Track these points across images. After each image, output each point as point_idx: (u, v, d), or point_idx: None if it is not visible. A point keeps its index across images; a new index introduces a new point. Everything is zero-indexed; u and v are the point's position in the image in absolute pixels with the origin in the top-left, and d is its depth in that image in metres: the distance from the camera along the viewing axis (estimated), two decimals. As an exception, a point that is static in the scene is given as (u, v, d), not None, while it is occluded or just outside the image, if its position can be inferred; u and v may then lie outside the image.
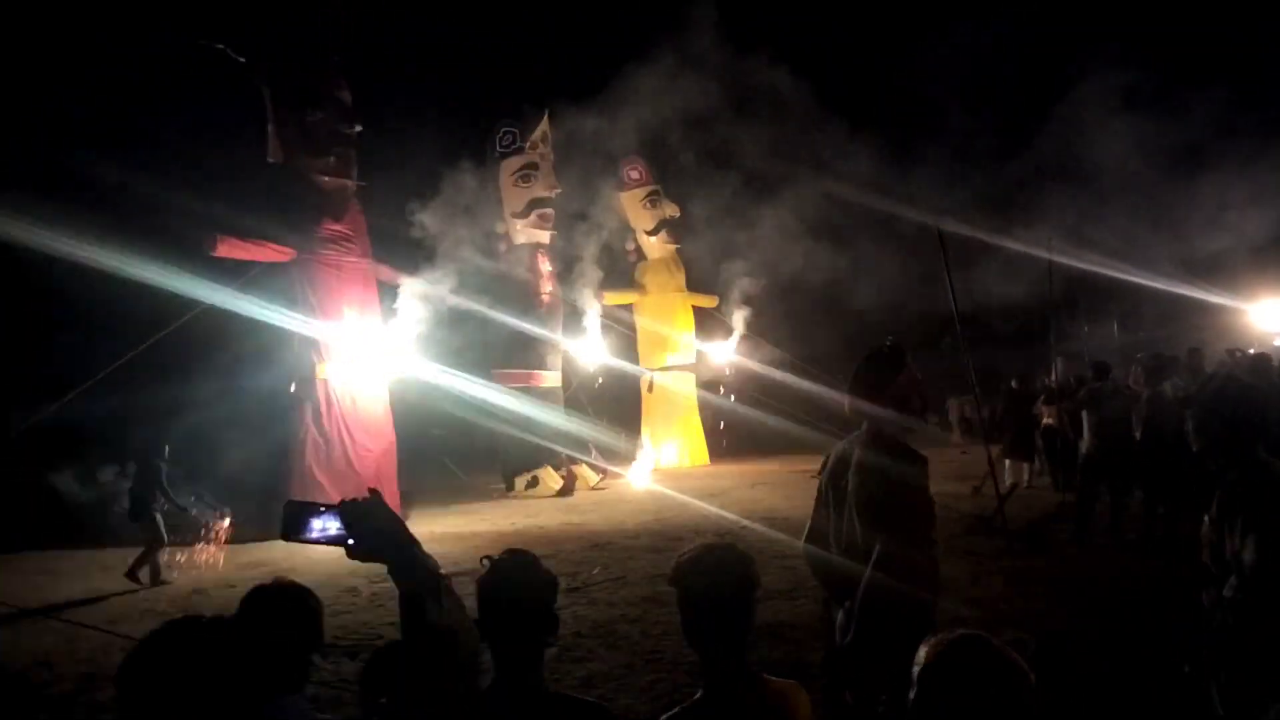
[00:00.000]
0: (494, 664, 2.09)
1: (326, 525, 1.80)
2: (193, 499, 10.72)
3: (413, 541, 1.82)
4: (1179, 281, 20.17)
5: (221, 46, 12.29)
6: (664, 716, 2.20)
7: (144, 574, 9.55)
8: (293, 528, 1.81)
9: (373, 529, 1.78)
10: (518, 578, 2.17)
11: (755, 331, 21.30)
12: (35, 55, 11.73)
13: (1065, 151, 20.03)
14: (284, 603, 2.59)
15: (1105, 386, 9.63)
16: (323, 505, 1.82)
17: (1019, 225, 15.52)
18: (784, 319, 20.98)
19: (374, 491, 1.87)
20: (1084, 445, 9.64)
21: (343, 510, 1.79)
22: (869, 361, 3.33)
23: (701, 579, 2.23)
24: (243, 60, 12.57)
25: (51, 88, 11.55)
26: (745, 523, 11.29)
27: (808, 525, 3.46)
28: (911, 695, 1.75)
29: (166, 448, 10.05)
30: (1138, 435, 8.75)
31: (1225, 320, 21.70)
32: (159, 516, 9.78)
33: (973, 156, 18.55)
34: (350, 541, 1.77)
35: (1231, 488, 2.97)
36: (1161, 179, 19.85)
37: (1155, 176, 20.16)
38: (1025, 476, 13.20)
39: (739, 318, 21.02)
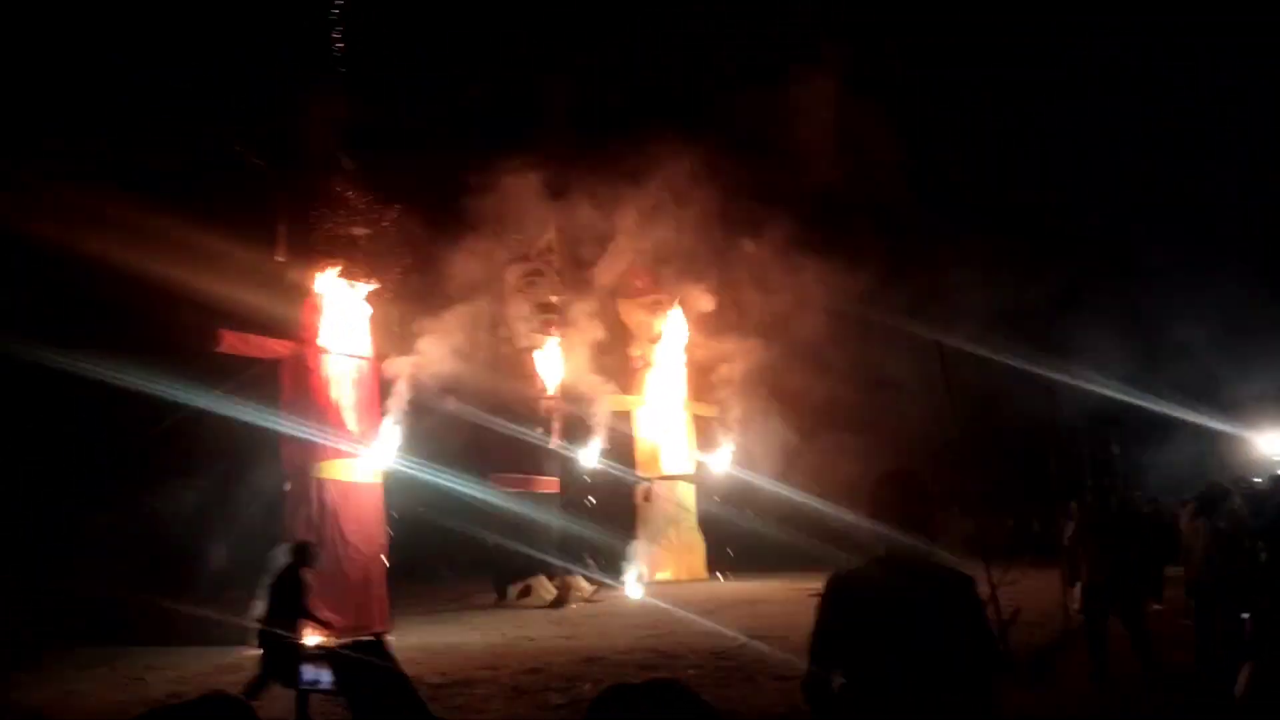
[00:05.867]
0: None
1: (319, 676, 1.66)
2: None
3: (423, 708, 1.59)
4: (1182, 408, 20.26)
5: (239, 149, 12.63)
6: None
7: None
8: (279, 671, 1.67)
9: (374, 700, 1.55)
10: None
11: (755, 443, 21.14)
12: (39, 138, 12.02)
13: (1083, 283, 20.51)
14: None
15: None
16: (317, 647, 1.67)
17: (1031, 346, 15.62)
18: (786, 429, 20.81)
19: (378, 639, 1.70)
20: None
21: (338, 662, 1.60)
22: (893, 485, 3.20)
23: None
24: (260, 163, 12.90)
25: (57, 174, 11.79)
26: (743, 639, 10.94)
27: (817, 652, 3.16)
28: None
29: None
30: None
31: (1226, 448, 21.69)
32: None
33: (991, 278, 18.81)
34: (342, 696, 1.59)
35: None
36: (1171, 313, 20.31)
37: (1164, 310, 20.63)
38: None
39: (737, 427, 20.92)
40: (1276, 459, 20.71)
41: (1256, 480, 15.49)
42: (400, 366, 14.14)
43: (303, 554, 8.09)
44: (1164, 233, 22.89)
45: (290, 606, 7.60)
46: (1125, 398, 19.76)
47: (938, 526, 3.11)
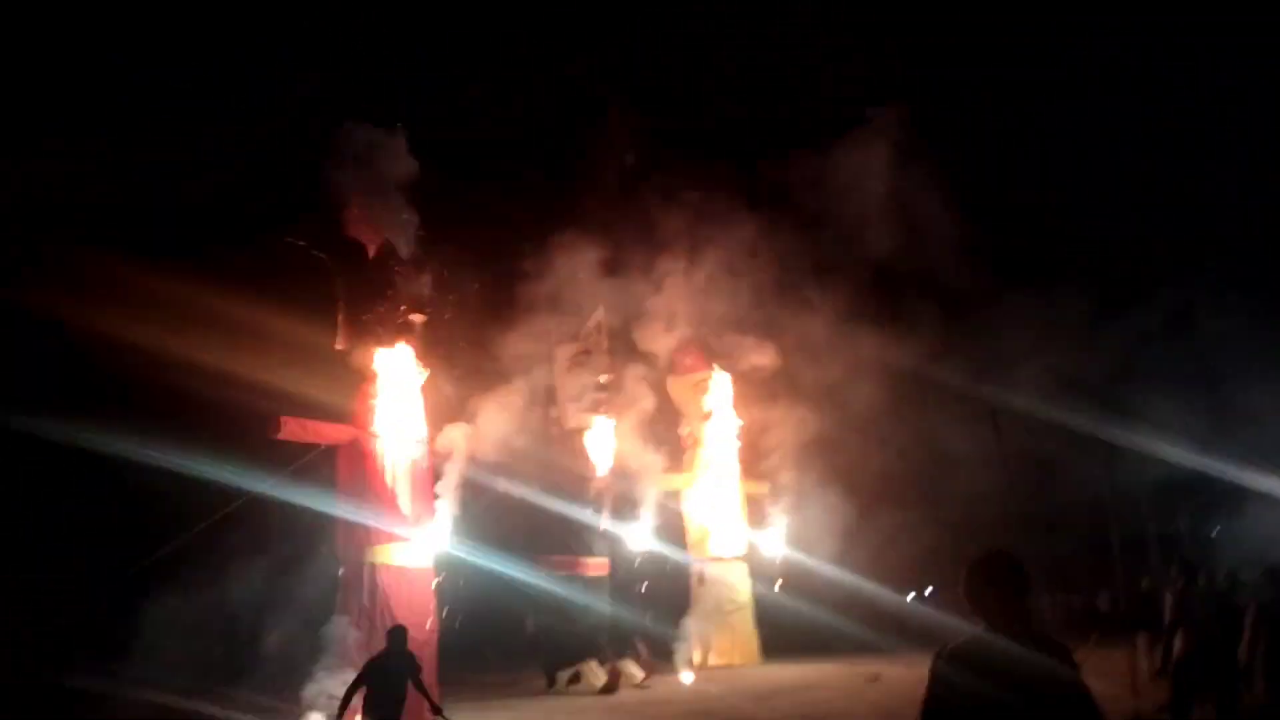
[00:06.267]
0: None
1: None
2: None
3: None
4: (1255, 474, 19.56)
5: (303, 243, 13.11)
6: None
7: None
8: None
9: None
10: None
11: (809, 521, 20.76)
12: (108, 227, 12.64)
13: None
14: None
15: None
16: None
17: (1092, 413, 15.27)
18: (841, 505, 20.42)
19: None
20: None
21: None
22: (988, 569, 3.14)
23: None
24: (321, 255, 13.35)
25: (127, 262, 12.35)
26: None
27: None
28: None
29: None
30: None
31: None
32: None
33: (1050, 343, 18.50)
34: None
35: None
36: (1240, 374, 19.80)
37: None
38: None
39: (790, 505, 20.60)
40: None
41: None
42: (453, 445, 14.28)
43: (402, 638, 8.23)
44: (1229, 288, 22.36)
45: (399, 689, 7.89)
46: (1192, 465, 19.14)
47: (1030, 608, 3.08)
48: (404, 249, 14.14)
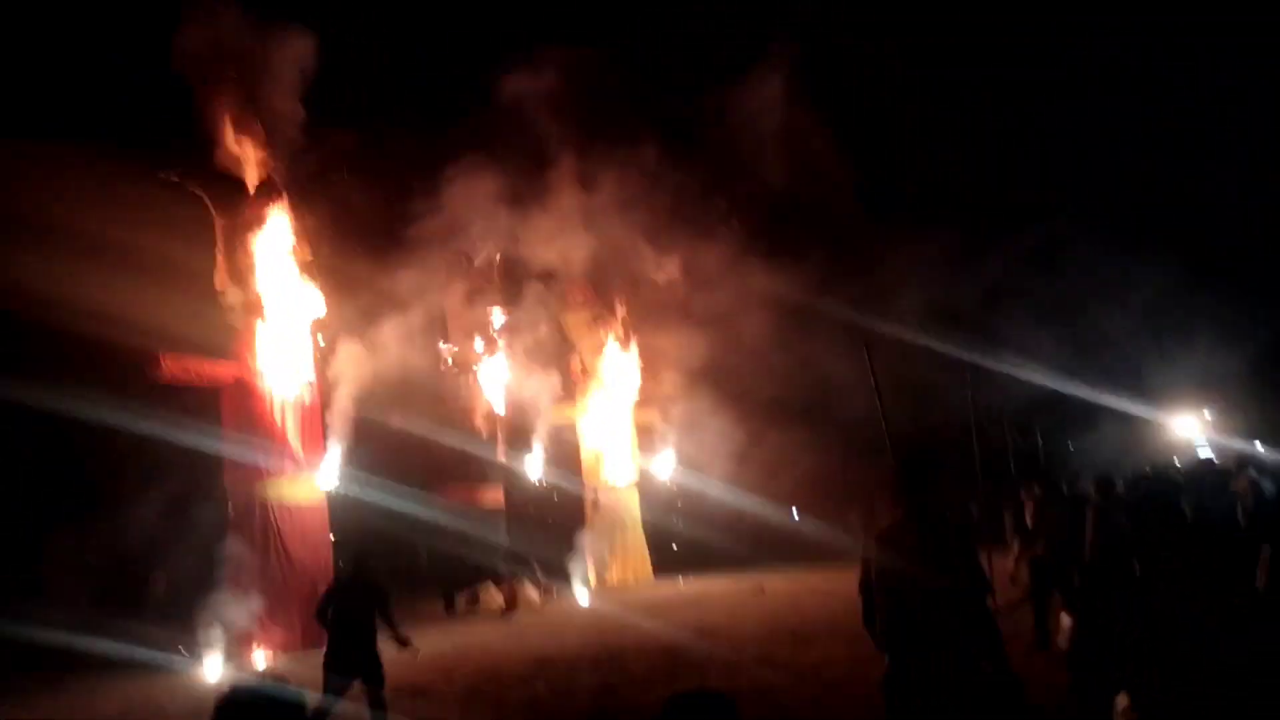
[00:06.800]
0: None
1: None
2: None
3: None
4: (1106, 395, 21.18)
5: (177, 179, 12.60)
6: None
7: None
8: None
9: None
10: None
11: (700, 446, 21.50)
12: None
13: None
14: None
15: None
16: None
17: (961, 341, 16.21)
18: (731, 429, 21.21)
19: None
20: None
21: None
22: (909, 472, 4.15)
23: None
24: (198, 192, 12.88)
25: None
26: (687, 639, 11.26)
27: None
28: None
29: None
30: None
31: (1145, 433, 22.70)
32: None
33: (925, 275, 19.43)
34: None
35: None
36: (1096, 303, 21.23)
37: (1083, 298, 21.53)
38: None
39: (676, 433, 21.27)
40: (1190, 442, 21.77)
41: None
42: (341, 375, 14.18)
43: (356, 568, 7.37)
44: (1089, 223, 23.81)
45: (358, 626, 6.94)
46: (1051, 386, 20.59)
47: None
48: (281, 171, 13.67)
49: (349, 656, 6.85)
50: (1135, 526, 8.31)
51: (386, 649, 7.06)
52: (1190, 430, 22.35)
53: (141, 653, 10.80)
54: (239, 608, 11.83)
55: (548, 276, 19.18)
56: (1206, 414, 23.10)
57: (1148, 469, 14.69)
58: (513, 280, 18.75)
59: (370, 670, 6.86)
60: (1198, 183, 23.29)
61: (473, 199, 16.86)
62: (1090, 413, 22.68)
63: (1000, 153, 24.12)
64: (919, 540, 3.97)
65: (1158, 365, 21.57)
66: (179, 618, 11.86)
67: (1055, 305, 22.56)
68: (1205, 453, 19.67)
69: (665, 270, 20.20)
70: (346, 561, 7.57)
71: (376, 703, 6.83)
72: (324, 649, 7.04)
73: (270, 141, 13.45)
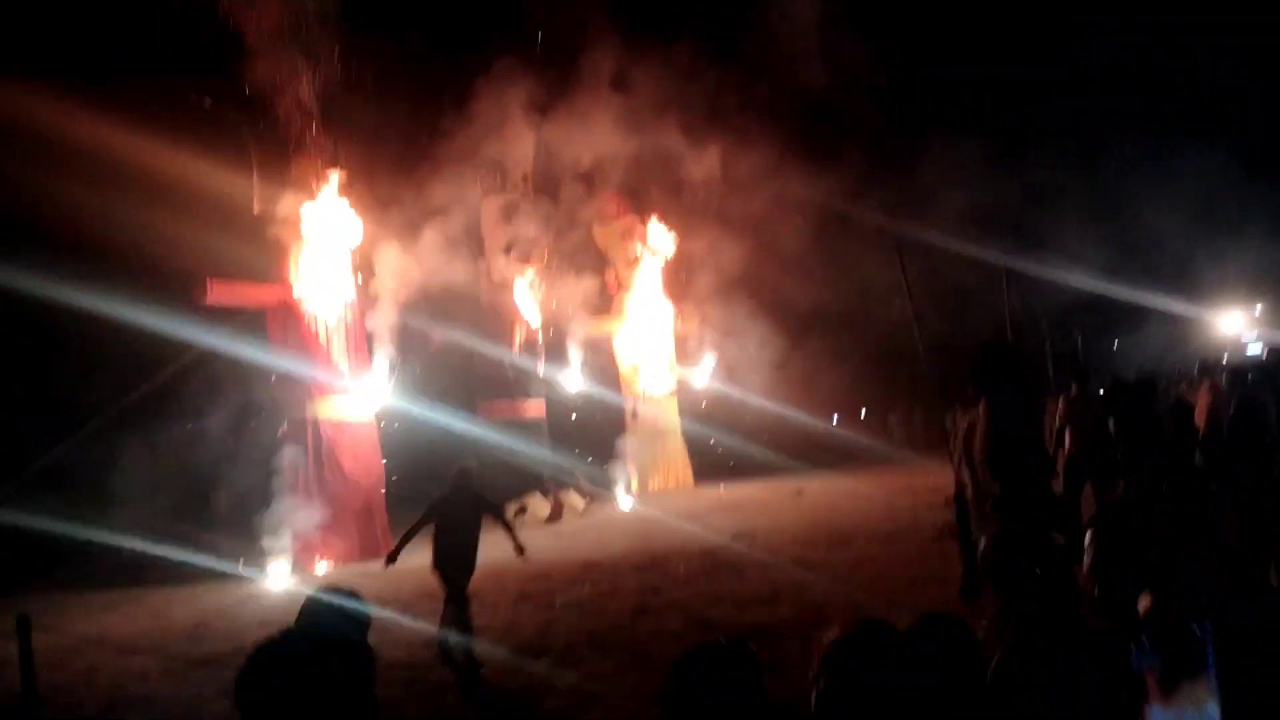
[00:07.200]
0: None
1: None
2: None
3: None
4: (1144, 291, 20.84)
5: (209, 102, 12.68)
6: None
7: None
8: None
9: None
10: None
11: (737, 354, 21.62)
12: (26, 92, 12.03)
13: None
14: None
15: None
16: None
17: (1001, 243, 16.00)
18: (769, 337, 21.27)
19: None
20: None
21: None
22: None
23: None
24: (231, 112, 12.96)
25: (41, 128, 11.86)
26: (726, 542, 11.61)
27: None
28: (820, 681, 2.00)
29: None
30: None
31: (1187, 329, 22.34)
32: None
33: (962, 177, 19.07)
34: None
35: None
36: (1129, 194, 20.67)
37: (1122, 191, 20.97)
38: None
39: (716, 342, 21.38)
40: (1238, 339, 21.42)
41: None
42: (384, 297, 14.42)
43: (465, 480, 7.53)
44: (1130, 124, 23.13)
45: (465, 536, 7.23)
46: (1092, 289, 20.31)
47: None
48: (314, 94, 13.66)
49: (455, 562, 7.23)
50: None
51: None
52: (1238, 327, 21.97)
53: (209, 562, 11.39)
54: (298, 519, 12.37)
55: (584, 181, 19.13)
56: (1258, 309, 22.67)
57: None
58: (547, 192, 18.74)
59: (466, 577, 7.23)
60: (1244, 69, 22.39)
61: (506, 107, 16.78)
62: (1134, 312, 22.39)
63: (1041, 45, 23.30)
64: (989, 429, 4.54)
65: (1205, 261, 21.12)
66: (243, 529, 12.44)
67: (1097, 203, 22.08)
68: (1256, 349, 19.40)
69: (702, 168, 19.98)
70: (452, 474, 7.63)
71: (460, 603, 7.21)
72: (431, 557, 7.32)
73: (305, 60, 13.43)
